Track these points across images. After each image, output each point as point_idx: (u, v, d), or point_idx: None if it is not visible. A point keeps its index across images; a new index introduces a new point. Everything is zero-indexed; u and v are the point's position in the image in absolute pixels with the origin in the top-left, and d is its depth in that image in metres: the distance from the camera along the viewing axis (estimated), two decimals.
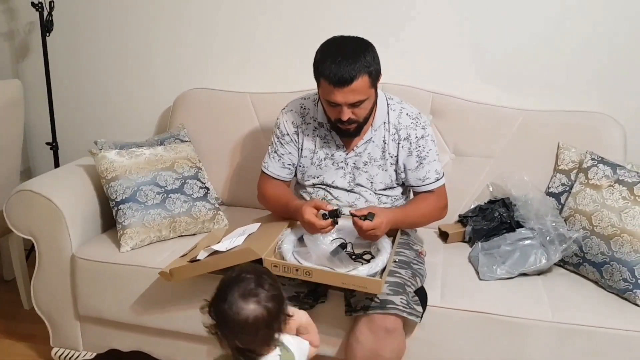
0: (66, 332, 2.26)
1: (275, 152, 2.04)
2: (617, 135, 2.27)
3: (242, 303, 1.31)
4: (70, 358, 2.29)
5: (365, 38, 1.84)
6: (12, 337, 2.54)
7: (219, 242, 1.94)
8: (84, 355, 2.29)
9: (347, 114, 1.81)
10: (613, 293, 1.92)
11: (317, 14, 2.57)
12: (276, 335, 1.36)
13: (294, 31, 2.61)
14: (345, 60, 1.73)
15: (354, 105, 1.80)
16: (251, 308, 1.30)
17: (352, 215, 1.79)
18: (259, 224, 2.02)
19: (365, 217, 1.76)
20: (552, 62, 2.41)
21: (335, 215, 1.77)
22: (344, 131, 1.90)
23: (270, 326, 1.33)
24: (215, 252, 1.87)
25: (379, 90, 1.93)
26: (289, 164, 2.04)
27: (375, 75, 1.80)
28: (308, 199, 2.05)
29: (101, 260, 2.10)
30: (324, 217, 1.77)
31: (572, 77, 2.41)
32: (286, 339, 1.42)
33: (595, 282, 1.98)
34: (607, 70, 2.38)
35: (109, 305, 2.10)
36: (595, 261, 1.96)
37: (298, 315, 1.48)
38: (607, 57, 2.37)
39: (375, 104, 1.91)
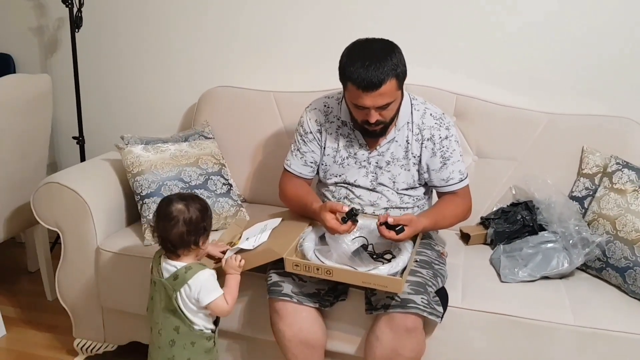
0: (89, 323, 2.29)
1: (298, 149, 2.05)
2: None
3: (175, 202, 1.70)
4: (92, 349, 2.33)
5: (390, 39, 1.84)
6: (35, 328, 2.58)
7: (240, 238, 1.95)
8: (106, 347, 2.32)
9: (374, 117, 1.81)
10: (636, 298, 1.91)
11: (343, 14, 2.57)
12: (192, 244, 1.70)
13: (320, 30, 2.63)
14: (373, 64, 1.72)
15: (381, 107, 1.80)
16: (179, 207, 1.69)
17: (382, 223, 1.78)
18: (280, 218, 2.03)
19: (392, 227, 1.76)
20: (577, 65, 2.40)
21: (352, 215, 1.77)
22: (370, 132, 1.90)
23: (188, 227, 1.67)
24: (241, 250, 1.88)
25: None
26: (312, 162, 2.05)
27: (402, 77, 1.79)
28: (330, 197, 2.06)
29: (125, 253, 2.13)
30: (343, 220, 1.78)
31: (597, 80, 2.39)
32: (208, 269, 1.72)
33: (618, 287, 1.97)
34: (632, 74, 2.36)
35: (132, 297, 2.13)
36: (619, 266, 1.94)
37: (230, 266, 1.77)
38: (633, 61, 2.35)
39: (401, 104, 1.91)
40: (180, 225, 1.67)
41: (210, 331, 1.76)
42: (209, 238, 1.77)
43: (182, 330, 1.71)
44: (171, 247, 1.70)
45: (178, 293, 1.68)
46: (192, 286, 1.67)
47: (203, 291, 1.68)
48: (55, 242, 3.03)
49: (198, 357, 1.74)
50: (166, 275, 1.71)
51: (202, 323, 1.73)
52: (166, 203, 1.71)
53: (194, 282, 1.67)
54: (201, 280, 1.68)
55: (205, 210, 1.73)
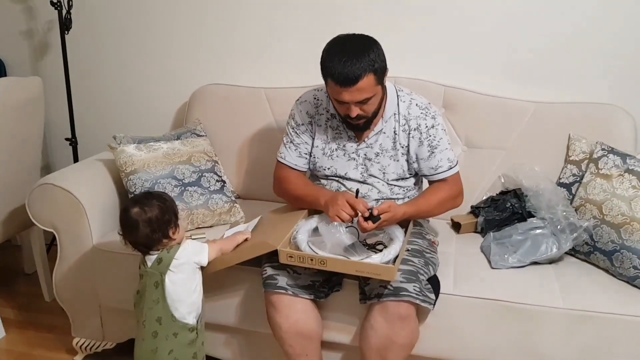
0: (87, 322, 2.31)
1: (291, 142, 2.08)
2: (628, 126, 2.29)
3: (131, 207, 1.72)
4: (91, 347, 2.35)
5: (372, 34, 1.85)
6: (33, 328, 2.59)
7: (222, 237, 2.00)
8: (105, 345, 2.34)
9: (355, 111, 1.84)
10: (623, 280, 1.94)
11: (332, 9, 2.60)
12: (163, 239, 1.73)
13: (309, 27, 2.65)
14: (350, 60, 1.74)
15: (361, 102, 1.82)
16: (135, 210, 1.71)
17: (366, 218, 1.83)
18: (258, 217, 2.08)
19: (369, 217, 1.80)
20: (563, 55, 2.43)
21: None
22: (354, 125, 1.94)
23: (151, 226, 1.70)
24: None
25: (388, 83, 1.96)
26: (306, 154, 2.08)
27: (380, 72, 1.81)
28: None
29: (121, 251, 2.13)
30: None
31: (583, 69, 2.43)
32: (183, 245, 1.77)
33: (606, 270, 2.00)
34: (617, 61, 2.39)
35: (129, 295, 2.12)
36: (606, 249, 1.98)
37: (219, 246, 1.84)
38: (617, 49, 2.38)
39: (383, 98, 1.93)
40: (141, 227, 1.70)
41: (192, 323, 1.78)
42: (180, 226, 1.79)
43: (164, 321, 1.74)
44: (144, 248, 1.75)
45: (166, 276, 1.73)
46: (184, 256, 1.75)
47: (195, 254, 1.77)
48: (51, 244, 3.04)
49: (181, 349, 1.77)
50: (150, 264, 1.75)
51: (185, 310, 1.76)
52: (124, 211, 1.74)
53: (182, 254, 1.75)
54: (189, 248, 1.77)
55: (162, 205, 1.74)
